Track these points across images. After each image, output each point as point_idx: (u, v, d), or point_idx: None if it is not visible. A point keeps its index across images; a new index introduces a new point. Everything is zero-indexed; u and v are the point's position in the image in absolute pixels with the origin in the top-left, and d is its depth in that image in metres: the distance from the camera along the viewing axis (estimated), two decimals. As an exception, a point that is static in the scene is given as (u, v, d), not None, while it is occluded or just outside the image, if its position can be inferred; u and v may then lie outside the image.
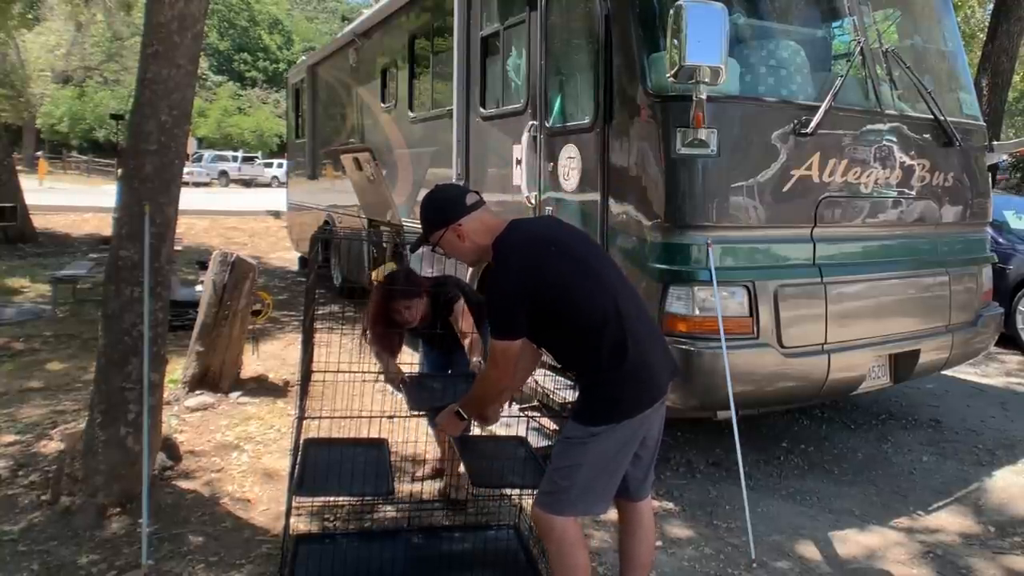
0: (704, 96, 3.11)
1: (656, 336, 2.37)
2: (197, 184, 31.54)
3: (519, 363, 2.61)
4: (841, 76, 3.66)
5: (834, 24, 4.46)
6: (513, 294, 2.19)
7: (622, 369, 2.19)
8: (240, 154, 38.98)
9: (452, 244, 2.34)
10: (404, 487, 3.59)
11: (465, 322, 3.38)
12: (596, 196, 3.76)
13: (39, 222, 14.01)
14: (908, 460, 4.20)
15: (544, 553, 2.94)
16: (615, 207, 3.67)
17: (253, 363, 5.64)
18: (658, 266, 3.42)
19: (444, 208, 2.34)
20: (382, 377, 3.31)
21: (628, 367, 2.20)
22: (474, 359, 3.31)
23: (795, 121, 3.50)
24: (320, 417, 2.97)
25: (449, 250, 2.38)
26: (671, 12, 3.00)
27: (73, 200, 19.72)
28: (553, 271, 2.20)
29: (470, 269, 4.96)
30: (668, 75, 3.11)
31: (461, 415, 2.54)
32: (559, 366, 2.48)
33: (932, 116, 4.04)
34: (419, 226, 2.43)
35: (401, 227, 6.39)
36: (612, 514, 3.47)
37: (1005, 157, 13.65)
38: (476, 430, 4.04)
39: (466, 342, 3.36)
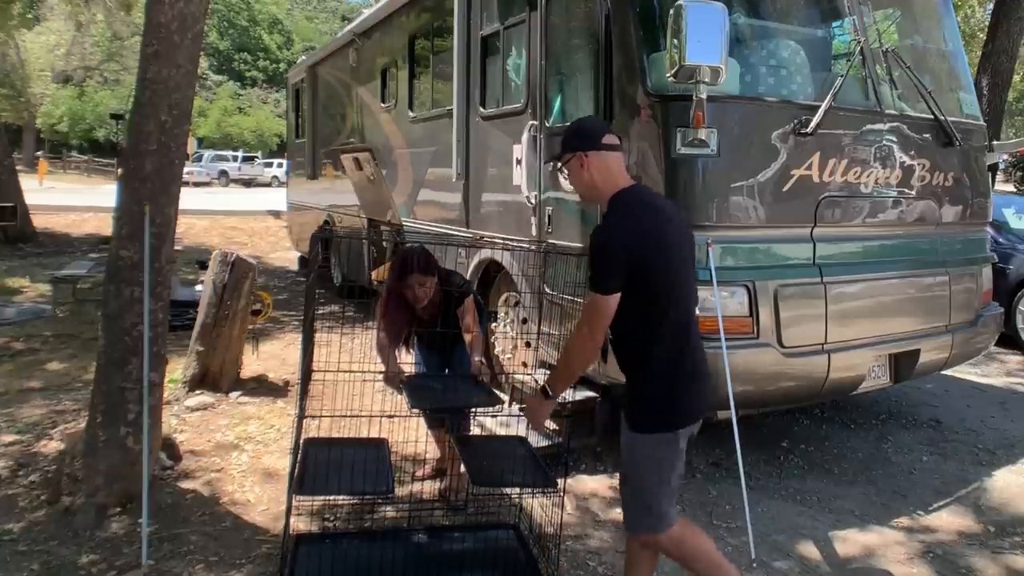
0: (704, 96, 3.11)
1: (704, 355, 2.41)
2: (197, 184, 31.52)
3: None
4: (841, 76, 3.66)
5: (834, 24, 4.46)
6: (619, 247, 2.19)
7: (681, 373, 2.26)
8: (240, 154, 38.97)
9: (574, 170, 2.39)
10: (404, 487, 3.59)
11: (470, 317, 3.39)
12: (596, 196, 3.75)
13: (39, 222, 14.01)
14: (908, 460, 4.20)
15: (544, 553, 2.94)
16: (615, 207, 3.66)
17: (253, 363, 5.64)
18: (658, 266, 3.42)
19: (580, 135, 2.40)
20: (382, 377, 3.31)
21: (685, 372, 2.26)
22: (475, 358, 3.31)
23: (795, 121, 3.50)
24: (320, 417, 2.98)
25: (570, 175, 2.44)
26: (671, 12, 3.00)
27: (73, 200, 19.70)
28: (658, 245, 2.23)
29: (471, 267, 4.97)
30: (668, 75, 3.11)
31: (547, 392, 2.41)
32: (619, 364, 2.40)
33: (932, 116, 4.04)
34: (419, 226, 2.46)
35: (401, 227, 6.39)
36: (613, 514, 3.48)
37: (1005, 157, 13.67)
38: (476, 430, 4.06)
39: (468, 338, 3.37)
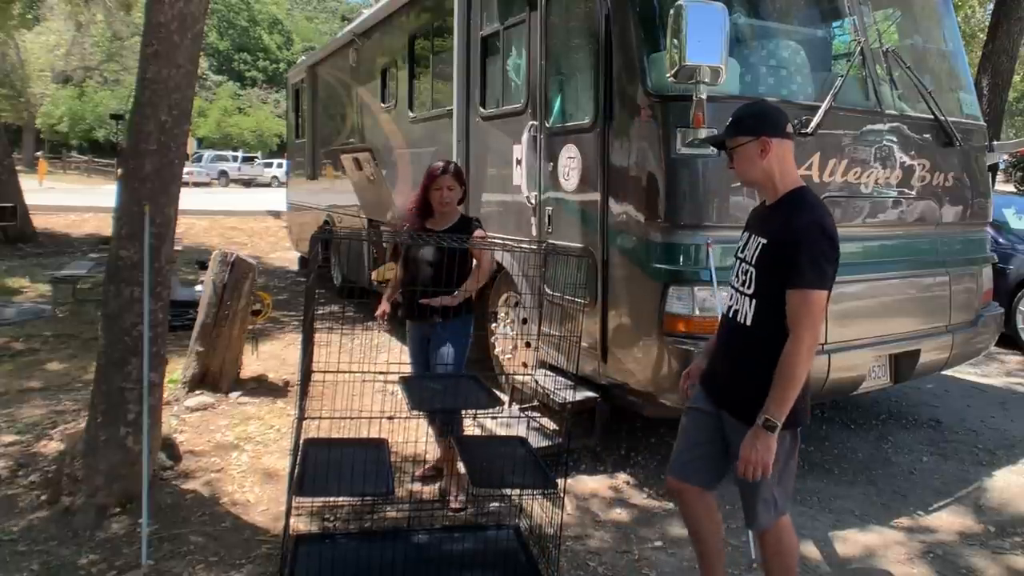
0: (704, 96, 3.11)
1: None
2: (197, 184, 31.52)
3: None
4: (841, 76, 3.66)
5: (834, 24, 4.46)
6: (833, 243, 2.16)
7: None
8: (240, 154, 38.97)
9: (749, 156, 2.23)
10: (404, 487, 3.59)
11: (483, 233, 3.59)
12: (596, 196, 3.76)
13: (39, 222, 14.01)
14: (908, 460, 4.20)
15: (544, 553, 2.94)
16: (615, 207, 3.67)
17: (253, 363, 5.64)
18: (658, 266, 3.42)
19: (764, 118, 2.25)
20: (381, 376, 3.31)
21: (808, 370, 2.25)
22: (468, 285, 3.42)
23: (795, 121, 3.50)
24: (320, 417, 2.97)
25: (740, 160, 2.26)
26: (671, 12, 3.00)
27: (73, 200, 19.70)
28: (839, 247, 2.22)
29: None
30: (668, 75, 3.11)
31: (771, 423, 2.12)
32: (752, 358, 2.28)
33: (932, 116, 4.04)
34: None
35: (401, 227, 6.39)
36: (613, 514, 3.48)
37: (1005, 157, 13.66)
38: (476, 430, 4.06)
39: (476, 269, 3.50)
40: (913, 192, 4.00)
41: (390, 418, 3.10)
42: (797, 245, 2.13)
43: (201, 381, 4.90)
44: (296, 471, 2.68)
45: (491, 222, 4.86)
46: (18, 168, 14.52)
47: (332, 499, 3.20)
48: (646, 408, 3.74)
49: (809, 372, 2.27)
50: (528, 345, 4.42)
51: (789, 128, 2.27)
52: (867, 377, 3.79)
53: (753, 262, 2.26)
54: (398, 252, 3.87)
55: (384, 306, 3.73)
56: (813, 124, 3.50)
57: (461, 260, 3.39)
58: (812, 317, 2.11)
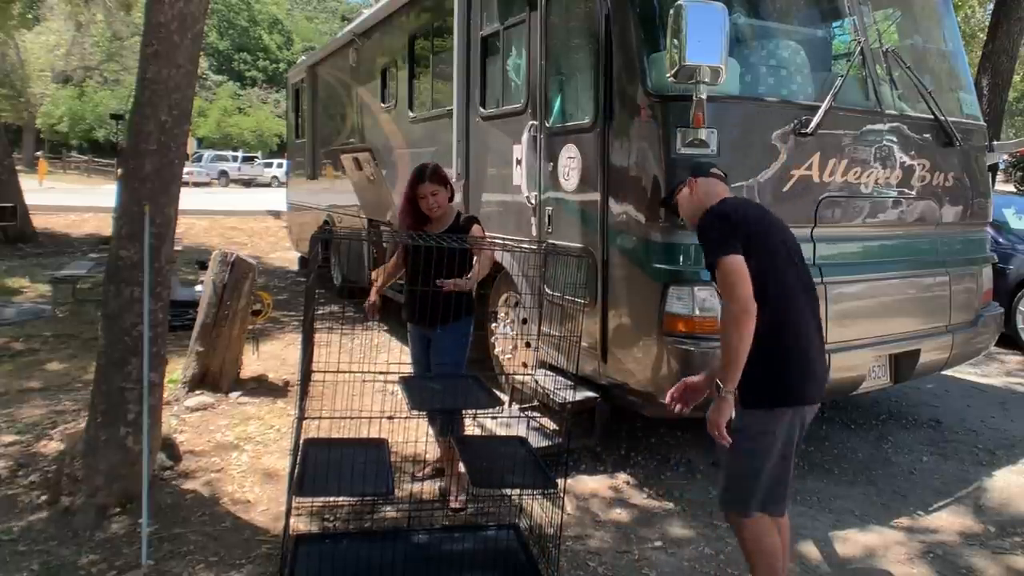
0: (704, 96, 3.11)
1: (822, 348, 2.50)
2: (197, 184, 31.51)
3: None
4: (841, 76, 3.66)
5: (834, 24, 4.46)
6: (724, 217, 2.39)
7: (781, 346, 2.31)
8: (240, 154, 38.96)
9: (685, 199, 2.64)
10: (404, 487, 3.59)
11: (480, 234, 3.58)
12: (596, 196, 3.76)
13: (39, 222, 14.01)
14: (908, 460, 4.20)
15: (544, 553, 2.94)
16: (615, 207, 3.67)
17: (253, 363, 5.64)
18: (658, 266, 3.42)
19: (693, 168, 2.74)
20: (381, 376, 3.31)
21: (786, 348, 2.31)
22: (468, 276, 3.36)
23: (795, 121, 3.50)
24: (320, 417, 2.97)
25: (681, 207, 2.67)
26: (671, 12, 3.00)
27: (73, 200, 19.70)
28: (761, 220, 2.45)
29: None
30: (668, 75, 3.11)
31: (719, 387, 2.29)
32: None
33: (932, 116, 4.04)
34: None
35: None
36: (613, 514, 3.48)
37: (1005, 157, 13.66)
38: (476, 430, 4.06)
39: (479, 258, 3.46)
40: (913, 192, 4.00)
41: (390, 418, 3.11)
42: (699, 232, 2.43)
43: (201, 381, 4.90)
44: (296, 471, 2.69)
45: (491, 222, 4.86)
46: (18, 168, 14.52)
47: (332, 499, 3.20)
48: (646, 408, 3.74)
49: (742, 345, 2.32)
50: (528, 345, 4.42)
51: (715, 171, 2.65)
52: (867, 377, 3.79)
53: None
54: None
55: (373, 297, 3.71)
56: (813, 124, 3.50)
57: (462, 260, 3.39)
58: (729, 284, 2.27)
